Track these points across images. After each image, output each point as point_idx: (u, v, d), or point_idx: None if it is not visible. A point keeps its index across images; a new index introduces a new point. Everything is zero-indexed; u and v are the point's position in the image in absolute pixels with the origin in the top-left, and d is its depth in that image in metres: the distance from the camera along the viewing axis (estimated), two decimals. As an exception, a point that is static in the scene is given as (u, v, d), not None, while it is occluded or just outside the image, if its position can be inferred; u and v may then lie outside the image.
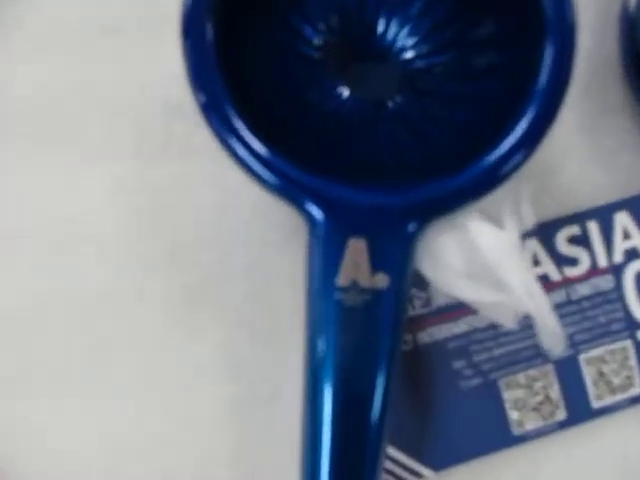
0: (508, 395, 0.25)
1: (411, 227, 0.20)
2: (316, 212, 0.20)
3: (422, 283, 0.24)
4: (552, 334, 0.21)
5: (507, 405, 0.25)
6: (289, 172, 0.19)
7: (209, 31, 0.20)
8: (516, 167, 0.20)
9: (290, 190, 0.19)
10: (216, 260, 0.25)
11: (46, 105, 0.26)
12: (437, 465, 0.25)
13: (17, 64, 0.26)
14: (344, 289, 0.20)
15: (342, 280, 0.20)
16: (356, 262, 0.20)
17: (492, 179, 0.20)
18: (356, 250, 0.20)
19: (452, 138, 0.21)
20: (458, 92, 0.22)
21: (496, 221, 0.21)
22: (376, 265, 0.20)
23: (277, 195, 0.20)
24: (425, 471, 0.25)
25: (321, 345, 0.20)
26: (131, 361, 0.25)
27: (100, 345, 0.25)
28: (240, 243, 0.25)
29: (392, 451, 0.24)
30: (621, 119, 0.27)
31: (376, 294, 0.20)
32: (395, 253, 0.20)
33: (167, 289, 0.25)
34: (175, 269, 0.25)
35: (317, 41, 0.22)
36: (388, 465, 0.25)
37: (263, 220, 0.24)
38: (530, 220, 0.21)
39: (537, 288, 0.21)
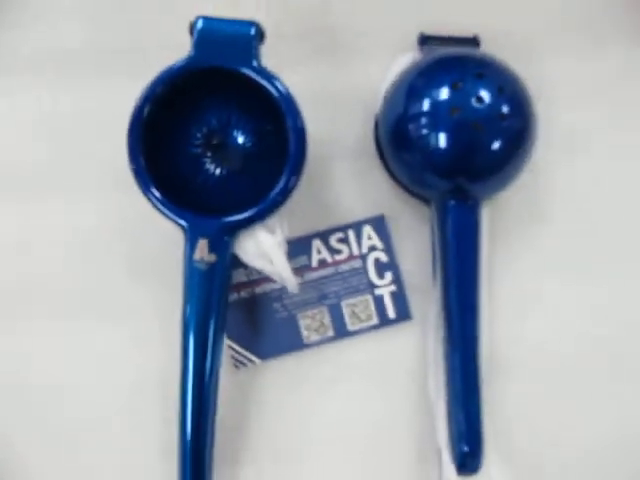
0: (302, 322, 0.47)
1: (226, 234, 0.42)
2: (185, 225, 0.42)
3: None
4: (291, 285, 0.43)
5: (301, 326, 0.47)
6: (169, 206, 0.42)
7: (140, 132, 0.42)
8: (280, 205, 0.42)
9: (170, 214, 0.42)
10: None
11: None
12: (262, 356, 0.47)
13: None
14: (197, 261, 0.42)
15: (196, 256, 0.42)
16: (202, 248, 0.42)
17: (268, 211, 0.42)
18: (202, 243, 0.42)
19: (253, 191, 0.43)
20: (258, 166, 0.45)
21: (270, 229, 0.43)
22: (211, 250, 0.42)
23: (165, 215, 0.42)
24: (256, 359, 0.47)
25: (187, 294, 0.43)
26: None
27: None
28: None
29: (235, 346, 0.47)
30: (374, 174, 0.48)
31: (210, 264, 0.42)
32: (219, 246, 0.42)
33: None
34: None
35: (198, 140, 0.45)
36: (232, 354, 0.47)
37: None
38: (286, 231, 0.43)
39: (286, 264, 0.43)
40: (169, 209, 0.42)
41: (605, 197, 0.49)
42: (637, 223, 0.49)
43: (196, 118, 0.45)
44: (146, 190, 0.42)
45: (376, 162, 0.48)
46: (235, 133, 0.46)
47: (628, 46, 0.50)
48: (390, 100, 0.47)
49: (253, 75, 0.42)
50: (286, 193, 0.42)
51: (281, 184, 0.42)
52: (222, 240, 0.42)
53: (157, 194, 0.42)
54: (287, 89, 0.42)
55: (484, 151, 0.44)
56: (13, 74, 0.49)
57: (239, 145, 0.46)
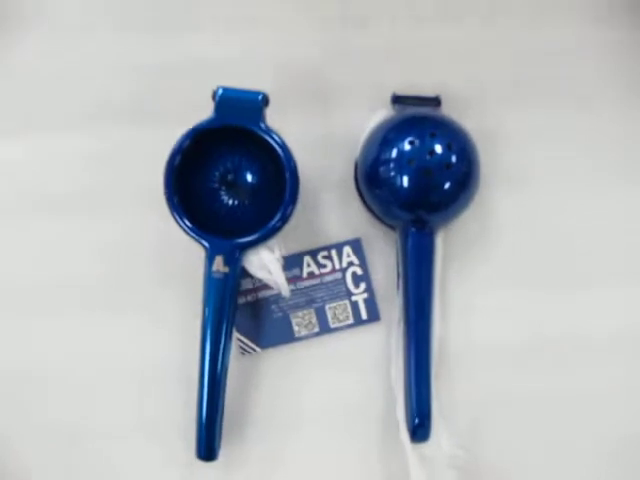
0: (294, 320, 0.60)
1: (237, 251, 0.55)
2: (207, 245, 0.55)
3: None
4: (285, 291, 0.56)
5: (293, 323, 0.60)
6: (196, 231, 0.55)
7: (173, 176, 0.55)
8: (279, 229, 0.55)
9: (196, 237, 0.55)
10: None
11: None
12: (262, 345, 0.60)
13: None
14: (214, 272, 0.55)
15: (214, 268, 0.55)
16: (218, 262, 0.55)
17: (270, 235, 0.55)
18: (218, 259, 0.55)
19: (258, 217, 0.56)
20: (262, 198, 0.58)
21: (271, 248, 0.56)
22: (225, 263, 0.55)
23: (192, 237, 0.55)
24: (256, 348, 0.60)
25: (207, 296, 0.55)
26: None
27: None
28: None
29: (242, 337, 0.59)
30: (353, 204, 0.61)
31: (224, 274, 0.55)
32: (232, 260, 0.55)
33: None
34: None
35: (216, 178, 0.58)
36: (240, 344, 0.59)
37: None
38: (283, 250, 0.56)
39: (282, 275, 0.55)
40: (196, 233, 0.55)
41: (541, 222, 0.61)
42: (566, 241, 0.61)
43: (215, 162, 0.58)
44: (180, 220, 0.55)
45: (355, 195, 0.60)
46: (245, 173, 0.59)
47: (555, 102, 0.62)
48: (366, 148, 0.59)
49: (260, 132, 0.55)
50: (284, 220, 0.55)
51: (280, 213, 0.55)
52: (234, 256, 0.56)
53: (188, 223, 0.55)
54: (284, 142, 0.55)
55: (436, 191, 0.57)
56: (67, 121, 0.62)
57: (247, 182, 0.59)
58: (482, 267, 0.60)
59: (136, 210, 0.60)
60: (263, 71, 0.61)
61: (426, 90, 0.61)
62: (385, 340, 0.60)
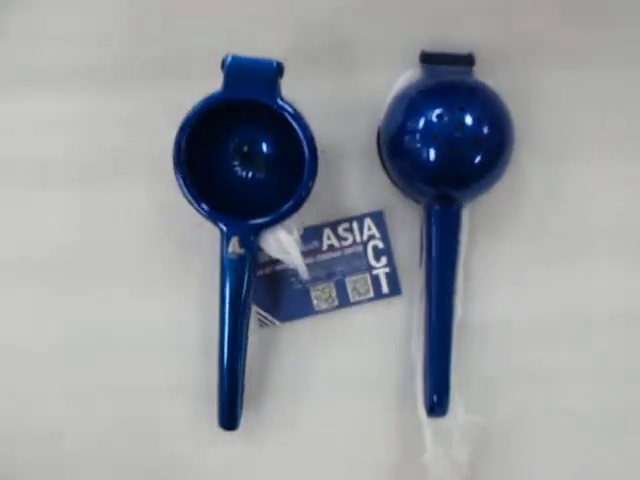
0: (313, 293, 0.59)
1: (254, 233, 0.53)
2: (222, 227, 0.53)
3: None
4: (303, 271, 0.54)
5: (313, 297, 0.59)
6: (214, 214, 0.53)
7: (183, 151, 0.52)
8: (296, 209, 0.53)
9: (213, 220, 0.53)
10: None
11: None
12: (281, 319, 0.59)
13: None
14: (230, 253, 0.53)
15: (230, 249, 0.53)
16: (234, 244, 0.53)
17: (286, 215, 0.53)
18: (234, 240, 0.53)
19: (275, 192, 0.54)
20: (279, 170, 0.55)
21: (288, 229, 0.54)
22: (241, 245, 0.53)
23: (209, 221, 0.53)
24: (276, 322, 0.59)
25: (223, 278, 0.54)
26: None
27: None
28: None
29: (261, 310, 0.58)
30: (375, 175, 0.58)
31: (241, 255, 0.53)
32: (248, 242, 0.53)
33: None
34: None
35: (230, 150, 0.55)
36: (259, 316, 0.58)
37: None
38: (300, 230, 0.54)
39: (299, 256, 0.54)
40: (212, 216, 0.53)
41: (574, 196, 0.58)
42: (602, 217, 0.58)
43: (228, 133, 0.55)
44: (196, 204, 0.53)
45: (377, 165, 0.57)
46: (260, 143, 0.56)
47: (605, 63, 0.57)
48: (391, 114, 0.56)
49: (275, 107, 0.52)
50: (301, 200, 0.53)
51: (297, 193, 0.53)
52: (250, 238, 0.53)
53: (205, 207, 0.53)
54: (303, 119, 0.52)
55: (465, 167, 0.54)
56: (62, 81, 0.58)
57: (263, 153, 0.56)
58: (509, 244, 0.58)
59: (144, 182, 0.58)
60: (275, 25, 0.57)
61: (459, 46, 0.56)
62: (406, 315, 0.57)
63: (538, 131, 0.57)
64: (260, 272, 0.58)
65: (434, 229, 0.56)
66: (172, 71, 0.57)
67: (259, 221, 0.53)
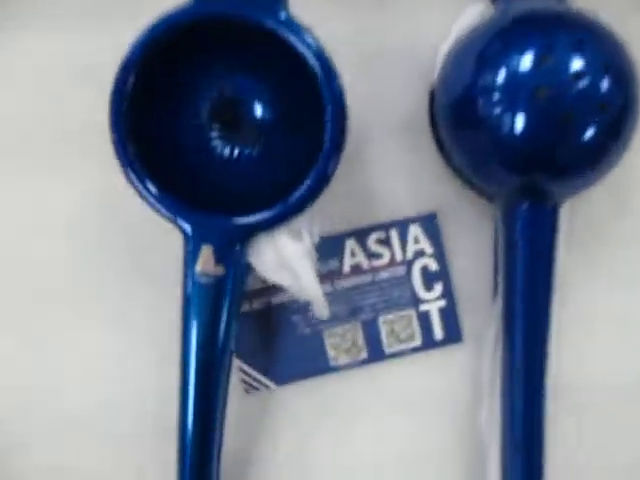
0: (328, 340, 0.39)
1: (239, 239, 0.33)
2: (186, 228, 0.33)
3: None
4: (320, 307, 0.34)
5: (327, 346, 0.39)
6: (168, 202, 0.33)
7: (125, 107, 0.32)
8: (310, 201, 0.33)
9: (167, 213, 0.33)
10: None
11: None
12: (280, 381, 0.39)
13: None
14: (200, 274, 0.33)
15: (198, 268, 0.33)
16: (206, 258, 0.33)
17: (295, 210, 0.33)
18: (206, 252, 0.33)
19: (273, 180, 0.34)
20: (280, 147, 0.35)
21: (296, 234, 0.34)
22: (218, 260, 0.33)
23: (159, 213, 0.33)
24: (271, 384, 0.39)
25: (187, 312, 0.34)
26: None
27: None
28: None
29: (246, 367, 0.38)
30: (425, 160, 0.39)
31: (217, 278, 0.33)
32: (228, 254, 0.33)
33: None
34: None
35: (204, 112, 0.35)
36: (243, 377, 0.38)
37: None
38: (316, 237, 0.34)
39: (314, 280, 0.34)
40: (167, 207, 0.33)
41: None
42: None
43: (201, 85, 0.35)
44: (138, 183, 0.32)
45: (429, 144, 0.38)
46: (250, 104, 0.36)
47: None
48: (453, 66, 0.37)
49: (276, 28, 0.32)
50: (320, 186, 0.33)
51: (313, 175, 0.33)
52: (233, 248, 0.33)
53: (152, 188, 0.32)
54: (323, 47, 0.32)
55: (573, 144, 0.35)
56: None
57: (256, 119, 0.36)
58: (620, 260, 0.39)
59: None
60: None
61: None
62: (472, 372, 0.39)
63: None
64: (246, 306, 0.38)
65: (520, 237, 0.37)
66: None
67: (248, 220, 0.33)
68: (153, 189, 0.33)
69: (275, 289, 0.38)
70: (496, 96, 0.35)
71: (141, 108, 0.33)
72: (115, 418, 0.39)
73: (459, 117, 0.37)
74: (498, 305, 0.38)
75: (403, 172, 0.39)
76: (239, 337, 0.37)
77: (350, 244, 0.38)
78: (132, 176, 0.32)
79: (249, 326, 0.38)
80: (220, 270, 0.33)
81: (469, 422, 0.39)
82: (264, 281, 0.38)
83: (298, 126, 0.35)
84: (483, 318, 0.38)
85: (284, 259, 0.34)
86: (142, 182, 0.33)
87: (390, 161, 0.39)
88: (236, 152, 0.36)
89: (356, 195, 0.38)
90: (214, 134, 0.36)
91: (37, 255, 0.39)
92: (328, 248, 0.38)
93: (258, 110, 0.36)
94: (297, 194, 0.33)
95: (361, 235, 0.38)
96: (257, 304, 0.38)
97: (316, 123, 0.33)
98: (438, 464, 0.39)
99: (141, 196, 0.33)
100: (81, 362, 0.39)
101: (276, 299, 0.38)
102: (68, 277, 0.39)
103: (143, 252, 0.38)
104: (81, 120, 0.38)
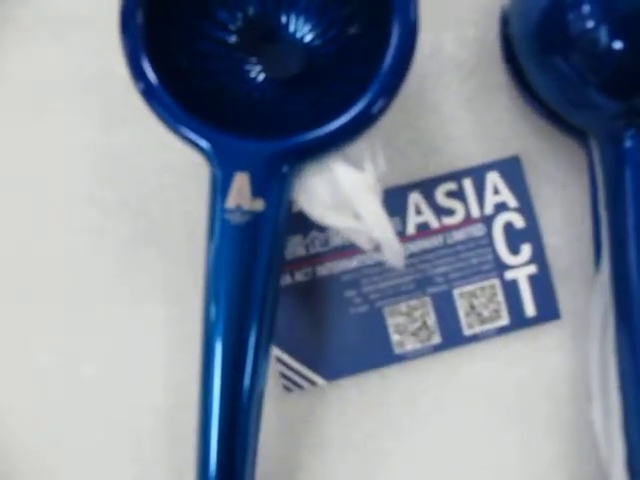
0: (391, 321, 0.30)
1: (285, 167, 0.26)
2: (207, 148, 0.26)
3: (321, 226, 0.30)
4: (395, 252, 0.26)
5: (390, 329, 0.30)
6: (178, 110, 0.26)
7: (140, 20, 0.26)
8: (374, 120, 0.26)
9: (181, 126, 0.26)
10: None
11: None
12: (329, 376, 0.30)
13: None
14: (230, 210, 0.26)
15: (229, 202, 0.26)
16: (240, 189, 0.26)
17: (354, 130, 0.26)
18: (240, 181, 0.26)
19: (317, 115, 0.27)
20: (328, 75, 0.28)
21: (356, 163, 0.26)
22: (255, 192, 0.26)
23: (174, 131, 0.26)
24: (319, 380, 0.30)
25: (213, 259, 0.26)
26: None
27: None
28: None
29: (292, 362, 0.30)
30: (501, 97, 0.32)
31: (255, 215, 0.26)
32: (271, 185, 0.26)
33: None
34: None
35: (232, 27, 0.29)
36: (289, 374, 0.30)
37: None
38: (382, 166, 0.27)
39: (384, 217, 0.26)
40: (186, 123, 0.25)
41: None
42: None
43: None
44: (156, 92, 0.25)
45: (504, 75, 0.32)
46: (290, 23, 0.29)
47: None
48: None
49: None
50: (386, 100, 0.26)
51: (376, 87, 0.26)
52: (274, 176, 0.26)
53: (168, 99, 0.25)
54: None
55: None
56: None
57: (297, 41, 0.29)
58: None
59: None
60: None
61: None
62: (574, 355, 0.31)
63: None
64: (286, 279, 0.30)
65: (628, 178, 0.29)
66: None
67: (293, 141, 0.26)
68: (168, 98, 0.26)
69: (323, 255, 0.30)
70: (589, 7, 0.29)
71: (161, 35, 0.27)
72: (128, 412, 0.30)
73: (544, 40, 0.30)
74: (604, 270, 0.31)
75: (475, 109, 0.32)
76: (279, 321, 0.29)
77: (414, 199, 0.31)
78: (155, 96, 0.26)
79: (290, 304, 0.30)
80: (258, 205, 0.26)
81: (573, 418, 0.30)
82: (307, 244, 0.30)
83: (347, 52, 0.28)
84: (585, 288, 0.31)
85: (342, 192, 0.26)
86: (166, 104, 0.26)
87: (460, 96, 0.31)
88: (273, 84, 0.29)
89: (422, 139, 0.31)
90: (242, 56, 0.29)
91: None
92: (387, 205, 0.30)
93: (298, 32, 0.29)
94: (354, 113, 0.26)
95: (427, 187, 0.31)
96: (300, 275, 0.30)
97: (367, 46, 0.27)
98: (535, 471, 0.30)
99: (164, 119, 0.26)
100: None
101: (324, 269, 0.31)
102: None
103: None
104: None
